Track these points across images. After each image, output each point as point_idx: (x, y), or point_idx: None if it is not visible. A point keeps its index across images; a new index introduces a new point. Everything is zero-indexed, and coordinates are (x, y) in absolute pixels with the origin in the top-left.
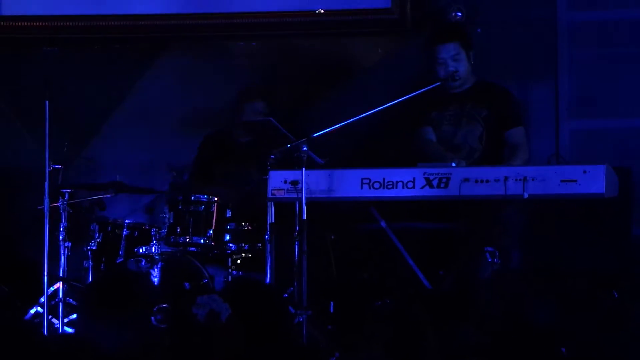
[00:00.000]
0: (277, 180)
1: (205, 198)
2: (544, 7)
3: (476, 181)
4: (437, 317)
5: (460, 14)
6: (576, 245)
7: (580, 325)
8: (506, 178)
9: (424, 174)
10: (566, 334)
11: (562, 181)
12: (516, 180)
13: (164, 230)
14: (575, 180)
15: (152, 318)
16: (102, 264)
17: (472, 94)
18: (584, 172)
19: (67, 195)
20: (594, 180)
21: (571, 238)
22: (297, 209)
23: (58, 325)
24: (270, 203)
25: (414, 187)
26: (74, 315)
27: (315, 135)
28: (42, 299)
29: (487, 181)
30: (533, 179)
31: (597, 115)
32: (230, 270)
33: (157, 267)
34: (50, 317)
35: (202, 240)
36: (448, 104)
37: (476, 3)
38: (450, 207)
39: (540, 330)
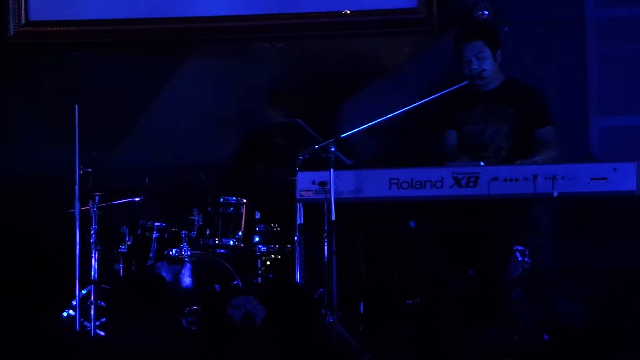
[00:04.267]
0: (305, 181)
1: (234, 200)
2: (571, 5)
3: (505, 180)
4: (467, 317)
5: (487, 13)
6: (607, 244)
7: (612, 324)
8: (535, 176)
9: (453, 173)
10: (598, 334)
11: (592, 179)
12: (545, 178)
13: (194, 233)
14: (606, 178)
15: (183, 320)
16: (133, 267)
17: (500, 93)
18: (614, 169)
19: (97, 199)
20: (624, 177)
21: (602, 236)
22: (326, 209)
23: (90, 328)
24: (298, 204)
25: (442, 186)
26: (105, 318)
27: (343, 135)
28: (74, 302)
29: (516, 180)
30: (562, 177)
31: (627, 112)
32: (260, 271)
33: (187, 270)
34: (82, 319)
35: (231, 242)
36: (475, 103)
37: (504, 2)
38: (480, 206)
39: (572, 331)
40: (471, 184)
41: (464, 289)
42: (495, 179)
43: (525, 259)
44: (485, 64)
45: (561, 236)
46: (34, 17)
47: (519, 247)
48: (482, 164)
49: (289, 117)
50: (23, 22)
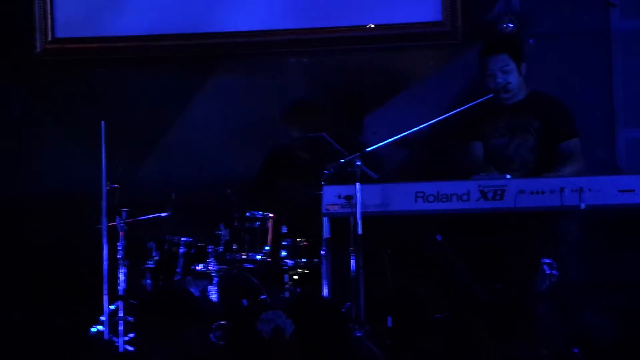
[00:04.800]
0: (331, 195)
1: (261, 214)
2: (596, 17)
3: (532, 193)
4: (494, 330)
5: (511, 25)
6: (635, 256)
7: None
8: (562, 189)
9: (479, 186)
10: (626, 346)
11: (619, 191)
12: (572, 191)
13: (221, 248)
14: (633, 190)
15: (211, 335)
16: (160, 282)
17: (525, 105)
18: None
19: (124, 214)
20: None
21: (630, 248)
22: (352, 223)
23: (118, 344)
24: (325, 218)
25: (468, 199)
26: (133, 334)
27: (368, 149)
28: (103, 318)
29: (543, 192)
30: (590, 190)
31: None
32: (287, 286)
33: (214, 285)
34: (110, 335)
35: (258, 257)
36: (500, 116)
37: (529, 14)
38: (506, 219)
39: (601, 343)
40: (497, 197)
41: (491, 302)
42: (521, 191)
43: (553, 271)
44: (510, 77)
45: (589, 248)
46: (60, 34)
47: (547, 260)
48: (508, 176)
49: (305, 133)
50: (50, 38)
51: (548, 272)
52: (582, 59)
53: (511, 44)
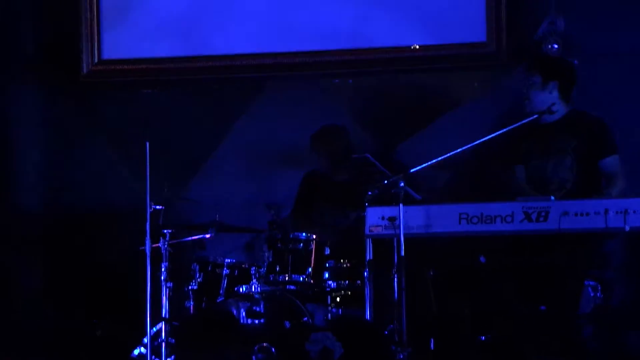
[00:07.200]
0: (375, 217)
1: (304, 236)
2: None
3: (576, 214)
4: (539, 352)
5: (556, 46)
6: None
7: None
8: (607, 210)
9: (523, 208)
10: None
11: None
12: (617, 212)
13: (264, 269)
14: None
15: (253, 357)
16: (204, 304)
17: (562, 125)
18: None
19: (168, 236)
20: None
21: None
22: (395, 245)
23: None
24: (368, 240)
25: (512, 221)
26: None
27: (412, 170)
28: (146, 340)
29: (587, 214)
30: (634, 212)
31: None
32: (329, 307)
33: (257, 306)
34: (153, 357)
35: (301, 278)
36: (537, 137)
37: (574, 35)
38: (550, 241)
39: None
40: (542, 219)
41: (535, 324)
42: (566, 213)
43: (598, 294)
44: (536, 96)
45: (633, 271)
46: (106, 55)
47: (591, 282)
48: (552, 198)
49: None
50: (96, 60)
51: (592, 294)
52: (630, 80)
53: (545, 64)
